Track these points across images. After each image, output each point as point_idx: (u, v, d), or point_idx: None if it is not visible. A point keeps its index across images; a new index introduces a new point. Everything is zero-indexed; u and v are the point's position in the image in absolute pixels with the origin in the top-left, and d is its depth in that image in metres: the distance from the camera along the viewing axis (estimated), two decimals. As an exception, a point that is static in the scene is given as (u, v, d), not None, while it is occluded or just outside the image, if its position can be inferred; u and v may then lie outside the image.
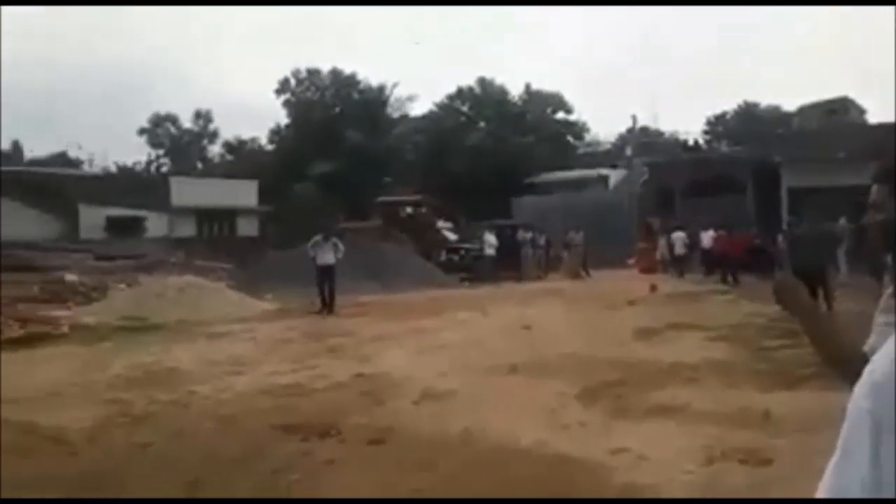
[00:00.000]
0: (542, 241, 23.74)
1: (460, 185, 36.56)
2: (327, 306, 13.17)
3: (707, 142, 45.71)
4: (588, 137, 47.93)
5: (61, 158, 50.27)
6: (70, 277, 16.27)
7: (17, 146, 51.35)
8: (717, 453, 4.28)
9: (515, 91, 44.70)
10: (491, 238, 22.18)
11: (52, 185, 31.81)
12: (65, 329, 10.55)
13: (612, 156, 43.34)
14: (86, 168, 47.86)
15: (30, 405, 5.92)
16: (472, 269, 21.67)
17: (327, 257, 13.47)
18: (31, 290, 14.46)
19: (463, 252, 23.13)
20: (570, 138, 45.37)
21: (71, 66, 71.86)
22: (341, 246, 13.81)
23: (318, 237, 13.86)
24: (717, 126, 49.08)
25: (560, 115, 44.82)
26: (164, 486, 4.00)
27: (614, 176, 36.15)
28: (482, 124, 42.92)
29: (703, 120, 49.30)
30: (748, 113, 47.09)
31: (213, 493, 3.88)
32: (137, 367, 7.73)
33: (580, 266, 22.57)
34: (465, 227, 27.10)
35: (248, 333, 10.47)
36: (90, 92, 73.58)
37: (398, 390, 6.33)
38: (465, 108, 44.50)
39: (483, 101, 43.65)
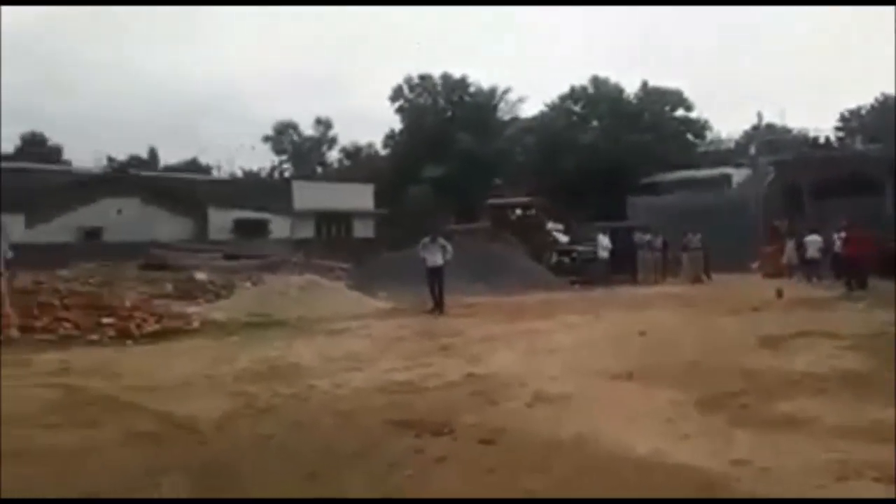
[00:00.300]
0: (658, 243, 22.96)
1: (572, 186, 36.05)
2: (438, 306, 13.36)
3: (839, 139, 42.70)
4: (710, 135, 45.97)
5: (193, 164, 53.83)
6: (200, 276, 17.37)
7: (153, 153, 55.44)
8: (849, 469, 3.97)
9: (631, 89, 43.50)
10: (605, 240, 21.70)
11: (185, 189, 34.18)
12: (196, 324, 11.26)
13: (735, 154, 41.38)
14: (215, 173, 51.00)
15: (165, 395, 6.35)
16: (584, 272, 21.31)
17: (435, 258, 13.69)
18: (166, 288, 15.56)
19: (575, 254, 22.77)
20: (690, 136, 43.66)
21: (201, 77, 76.98)
22: (449, 247, 13.99)
23: (426, 239, 14.12)
24: (851, 122, 45.72)
25: (679, 112, 43.19)
26: (284, 477, 4.17)
27: (738, 175, 34.52)
28: (595, 123, 42.09)
29: (835, 116, 46.12)
30: (886, 107, 43.51)
31: (329, 485, 4.00)
32: (262, 361, 8.12)
33: (700, 270, 21.66)
34: (577, 229, 26.67)
35: (363, 331, 10.78)
36: (218, 101, 78.49)
37: (510, 391, 6.30)
38: (577, 108, 43.77)
39: (597, 99, 42.78)
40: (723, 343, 8.65)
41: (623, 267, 21.63)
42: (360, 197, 36.75)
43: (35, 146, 47.18)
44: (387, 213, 36.37)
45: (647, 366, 7.30)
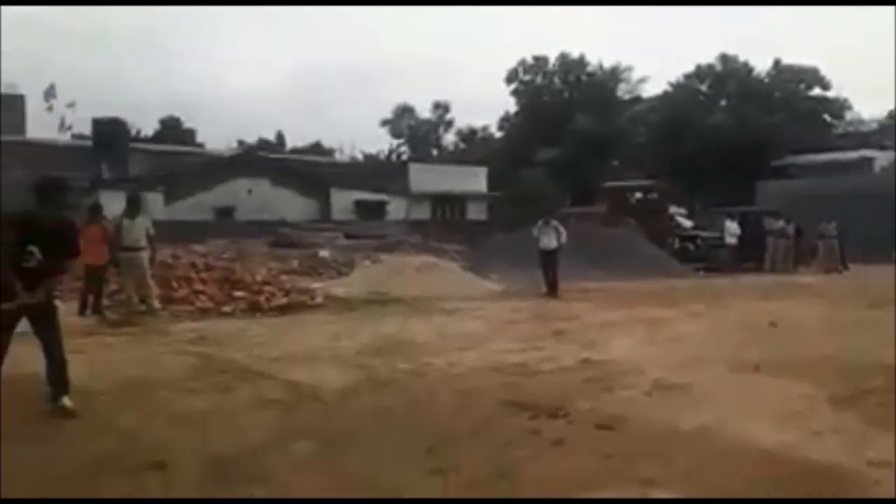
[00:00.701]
0: (791, 230, 21.57)
1: (697, 169, 34.47)
2: (551, 290, 13.22)
3: None
4: (849, 116, 42.51)
5: (317, 147, 55.95)
6: (324, 254, 18.08)
7: (280, 136, 58.08)
8: None
9: (762, 67, 40.91)
10: (732, 226, 20.65)
11: (310, 171, 35.63)
12: (319, 300, 11.75)
13: (878, 136, 38.13)
14: (337, 156, 52.79)
15: (291, 365, 6.68)
16: (709, 259, 20.40)
17: (549, 241, 13.51)
18: (292, 265, 16.30)
19: (699, 240, 21.81)
20: (826, 117, 40.57)
21: (324, 63, 79.70)
22: (563, 230, 13.73)
23: (539, 221, 13.95)
24: None
25: (815, 91, 40.21)
26: (403, 449, 4.28)
27: (882, 159, 31.81)
28: (723, 103, 39.96)
29: None
30: None
31: (446, 460, 4.06)
32: (381, 336, 8.37)
33: (835, 260, 20.22)
34: (702, 214, 25.53)
35: (477, 312, 10.84)
36: (342, 86, 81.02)
37: (627, 379, 6.15)
38: (703, 87, 41.68)
39: (725, 78, 40.52)
40: (859, 337, 8.02)
41: (751, 254, 20.53)
42: (474, 179, 36.93)
43: (172, 130, 50.56)
44: (500, 196, 36.33)
45: (776, 358, 6.91)
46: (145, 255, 9.97)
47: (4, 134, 32.48)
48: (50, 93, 40.50)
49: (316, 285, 13.18)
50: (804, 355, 7.07)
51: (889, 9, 38.64)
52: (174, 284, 11.17)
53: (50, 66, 69.61)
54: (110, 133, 31.40)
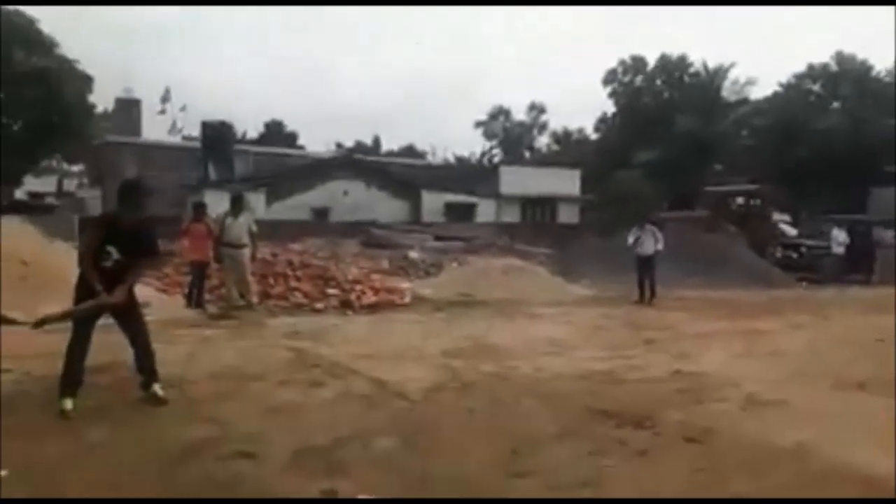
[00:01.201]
0: (905, 240, 20.12)
1: (806, 175, 32.65)
2: (645, 297, 12.87)
3: None
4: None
5: (410, 150, 56.85)
6: (413, 255, 18.36)
7: (376, 140, 59.40)
8: None
9: (883, 65, 38.25)
10: (840, 234, 19.47)
11: (402, 173, 36.23)
12: (407, 299, 11.94)
13: None
14: (429, 158, 53.45)
15: (379, 362, 6.81)
16: (813, 269, 19.31)
17: (646, 247, 13.11)
18: (383, 264, 16.64)
19: (804, 249, 20.69)
20: (950, 119, 37.43)
21: (422, 66, 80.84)
22: (660, 235, 13.29)
23: (636, 226, 13.56)
24: None
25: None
26: (487, 449, 4.28)
27: None
28: (837, 105, 37.67)
29: None
30: None
31: (529, 464, 4.04)
32: (466, 338, 8.41)
33: None
34: (808, 221, 24.20)
35: (564, 317, 10.71)
36: (439, 89, 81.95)
37: (720, 392, 5.90)
38: (816, 88, 39.42)
39: (839, 78, 38.16)
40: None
41: (860, 265, 19.29)
42: (566, 182, 36.45)
43: (275, 132, 52.65)
44: (593, 199, 35.69)
45: (882, 376, 6.45)
46: (247, 253, 10.42)
47: (121, 135, 34.84)
48: (165, 97, 43.11)
49: (404, 285, 13.39)
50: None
51: None
52: (271, 281, 11.63)
53: (159, 67, 73.90)
54: (217, 135, 33.02)
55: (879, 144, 32.77)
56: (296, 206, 29.44)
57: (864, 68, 38.18)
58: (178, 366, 6.18)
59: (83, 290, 4.89)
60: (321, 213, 29.97)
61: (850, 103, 36.52)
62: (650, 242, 13.13)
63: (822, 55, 40.18)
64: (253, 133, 51.88)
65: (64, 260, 8.68)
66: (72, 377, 4.81)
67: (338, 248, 18.27)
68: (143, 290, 9.29)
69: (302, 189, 30.55)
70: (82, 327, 4.89)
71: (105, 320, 5.09)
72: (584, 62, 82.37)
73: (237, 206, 10.71)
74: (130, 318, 5.12)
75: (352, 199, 30.89)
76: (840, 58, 38.80)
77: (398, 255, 18.24)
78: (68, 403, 4.72)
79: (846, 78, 37.92)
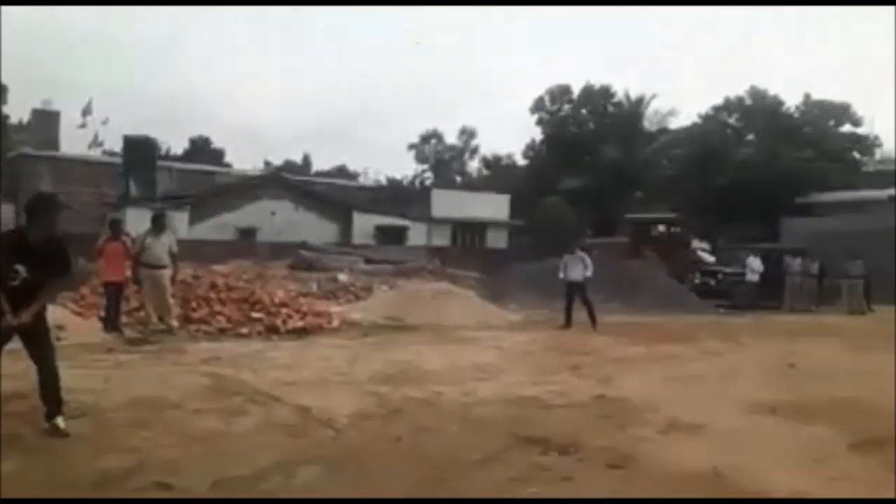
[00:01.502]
0: (814, 269, 21.26)
1: (722, 204, 34.11)
2: (571, 322, 13.08)
3: None
4: (880, 154, 41.96)
5: (342, 171, 56.51)
6: (343, 277, 18.15)
7: (307, 158, 58.82)
8: None
9: (792, 101, 40.61)
10: (755, 262, 20.37)
11: (333, 194, 35.94)
12: (335, 323, 11.77)
13: (909, 175, 37.49)
14: (361, 180, 53.24)
15: (303, 389, 6.67)
16: (729, 296, 20.12)
17: (574, 273, 13.32)
18: (311, 287, 16.38)
19: (721, 276, 21.56)
20: (856, 154, 40.04)
21: (354, 86, 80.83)
22: (589, 262, 13.47)
23: (566, 253, 13.75)
24: None
25: (846, 127, 39.77)
26: (412, 478, 4.25)
27: (911, 198, 31.19)
28: (751, 137, 39.68)
29: None
30: None
31: (455, 491, 4.03)
32: (394, 363, 8.35)
33: (860, 300, 19.87)
34: (725, 249, 25.27)
35: (493, 342, 10.78)
36: (370, 110, 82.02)
37: (641, 417, 6.06)
38: (732, 121, 41.45)
39: (754, 112, 40.26)
40: (882, 381, 7.84)
41: (772, 292, 20.24)
42: (496, 207, 36.95)
43: (201, 149, 51.41)
44: (521, 224, 36.29)
45: (794, 400, 6.78)
46: (167, 274, 10.09)
47: (37, 149, 33.30)
48: (87, 109, 41.44)
49: (333, 309, 13.21)
50: (823, 398, 6.94)
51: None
52: (193, 304, 11.26)
53: (81, 77, 71.21)
54: (140, 150, 31.96)
55: (791, 176, 34.64)
56: (221, 226, 28.73)
57: (776, 103, 40.42)
58: (93, 393, 5.90)
59: None
60: (248, 234, 29.35)
61: (763, 136, 38.52)
62: (579, 268, 13.29)
63: (738, 89, 42.21)
64: (178, 149, 50.52)
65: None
66: None
67: (265, 270, 17.88)
68: (58, 312, 8.87)
69: (228, 208, 29.87)
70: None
71: (14, 344, 4.82)
72: (514, 87, 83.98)
73: (158, 225, 10.38)
74: (38, 342, 4.84)
75: (280, 219, 30.39)
76: (754, 92, 40.96)
77: (327, 278, 18.00)
78: None
79: (760, 112, 40.02)
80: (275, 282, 15.57)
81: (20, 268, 4.63)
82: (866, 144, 40.38)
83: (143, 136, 33.41)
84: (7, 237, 5.03)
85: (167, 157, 42.73)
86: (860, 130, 39.82)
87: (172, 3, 65.81)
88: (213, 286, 12.10)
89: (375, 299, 15.19)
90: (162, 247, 10.08)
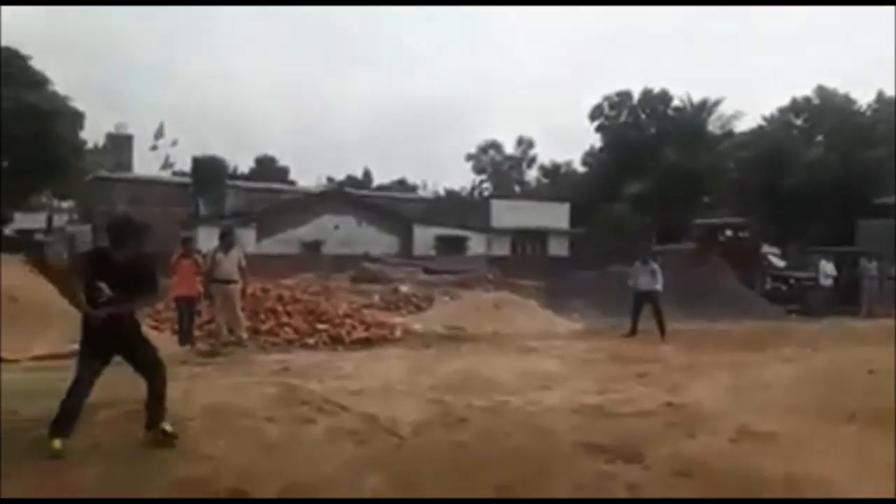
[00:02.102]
0: (893, 272, 20.30)
1: (792, 207, 33.00)
2: (637, 331, 12.83)
3: None
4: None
5: (401, 184, 57.18)
6: (404, 289, 18.36)
7: (367, 173, 59.72)
8: None
9: (864, 99, 39.04)
10: (828, 267, 19.63)
11: (393, 207, 36.42)
12: (398, 334, 11.93)
13: None
14: (420, 192, 53.76)
15: (369, 398, 6.78)
16: (802, 301, 19.42)
17: (642, 282, 12.98)
18: (374, 299, 16.64)
19: (792, 281, 20.84)
20: (934, 151, 38.03)
21: (414, 100, 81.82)
22: (659, 272, 13.01)
23: (637, 262, 13.40)
24: None
25: (921, 124, 37.85)
26: (476, 485, 4.28)
27: None
28: (820, 138, 38.29)
29: None
30: None
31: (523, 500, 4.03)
32: (456, 372, 8.38)
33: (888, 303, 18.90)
34: (797, 254, 24.40)
35: (555, 350, 10.70)
36: (432, 122, 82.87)
37: (710, 425, 5.90)
38: (799, 121, 40.11)
39: (822, 112, 38.86)
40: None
41: (848, 297, 19.44)
42: (555, 215, 36.75)
43: (267, 168, 52.88)
44: (582, 232, 35.94)
45: (874, 408, 6.47)
46: (237, 288, 10.41)
47: (112, 171, 34.93)
48: (159, 133, 43.27)
49: (395, 320, 13.38)
50: (905, 406, 6.62)
51: None
52: (262, 316, 11.60)
53: (152, 100, 74.36)
54: (209, 170, 33.21)
55: (865, 177, 33.23)
56: (286, 241, 29.49)
57: (846, 102, 38.92)
58: (169, 402, 6.12)
59: (87, 326, 4.86)
60: (312, 248, 30.01)
61: (833, 136, 37.12)
62: (647, 278, 13.02)
63: (805, 89, 40.91)
64: (244, 168, 52.10)
65: (53, 297, 8.63)
66: (66, 417, 4.71)
67: (328, 282, 18.24)
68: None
69: (292, 224, 30.65)
70: (86, 367, 4.85)
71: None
72: (572, 96, 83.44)
73: (227, 241, 10.72)
74: (135, 356, 5.05)
75: (343, 233, 30.98)
76: (822, 92, 39.57)
77: (389, 290, 18.23)
78: (57, 443, 4.64)
79: (829, 111, 38.61)
80: (339, 294, 15.88)
81: (103, 286, 4.85)
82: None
83: (212, 157, 34.73)
84: (89, 256, 5.29)
85: (234, 176, 44.11)
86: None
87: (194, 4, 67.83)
88: (280, 299, 12.43)
89: (436, 310, 15.31)
90: (231, 262, 10.40)
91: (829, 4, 50.55)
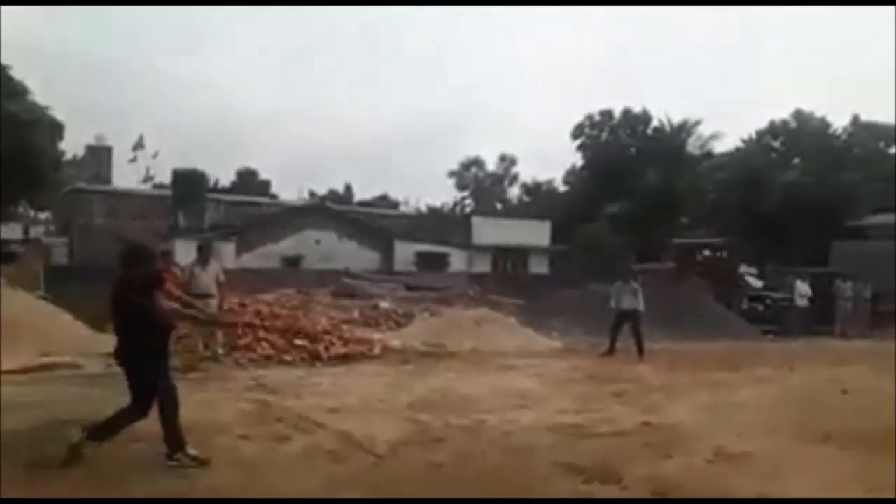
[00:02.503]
0: (867, 293, 20.63)
1: (769, 228, 33.46)
2: (615, 350, 12.84)
3: None
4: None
5: (383, 199, 57.15)
6: (384, 305, 18.27)
7: (349, 188, 59.64)
8: None
9: (840, 123, 39.81)
10: (804, 287, 19.88)
11: (374, 222, 36.36)
12: (377, 350, 11.84)
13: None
14: (402, 208, 53.74)
15: (346, 415, 6.73)
16: (778, 321, 19.63)
17: (622, 301, 12.99)
18: (353, 315, 16.53)
19: (769, 301, 21.07)
20: (908, 176, 38.82)
21: (398, 115, 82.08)
22: (640, 292, 12.94)
23: (618, 281, 13.40)
24: None
25: (896, 149, 38.76)
26: (452, 505, 4.25)
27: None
28: (797, 161, 38.94)
29: None
30: None
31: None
32: (434, 390, 8.35)
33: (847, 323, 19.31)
34: (773, 274, 24.70)
35: (534, 369, 10.69)
36: (415, 138, 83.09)
37: (687, 445, 5.93)
38: (777, 144, 40.79)
39: (799, 135, 39.56)
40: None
41: (823, 317, 19.70)
42: (537, 233, 36.90)
43: (248, 181, 52.59)
44: (563, 250, 36.12)
45: (848, 428, 6.54)
46: (214, 303, 10.29)
47: (90, 183, 34.57)
48: (138, 144, 42.88)
49: (374, 336, 13.30)
50: (880, 427, 6.68)
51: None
52: (239, 332, 11.46)
53: (132, 111, 73.85)
54: (189, 183, 32.86)
55: (840, 199, 33.81)
56: (267, 255, 29.29)
57: (823, 125, 39.66)
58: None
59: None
60: (293, 263, 29.83)
61: (810, 159, 37.76)
62: (629, 297, 12.99)
63: (782, 112, 41.65)
64: (225, 181, 51.77)
65: (26, 311, 8.51)
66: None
67: (308, 297, 18.13)
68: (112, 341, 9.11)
69: (273, 238, 30.45)
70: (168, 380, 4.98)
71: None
72: (555, 114, 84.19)
73: (204, 255, 10.63)
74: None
75: (323, 248, 30.85)
76: (799, 115, 40.29)
77: (369, 305, 18.15)
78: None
79: (805, 135, 39.31)
80: (318, 309, 15.78)
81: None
82: (918, 165, 39.19)
83: (192, 169, 34.38)
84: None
85: (215, 189, 43.79)
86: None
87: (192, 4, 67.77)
88: (258, 314, 12.31)
89: (416, 326, 15.24)
90: (209, 276, 10.30)
91: (829, 5, 51.26)
